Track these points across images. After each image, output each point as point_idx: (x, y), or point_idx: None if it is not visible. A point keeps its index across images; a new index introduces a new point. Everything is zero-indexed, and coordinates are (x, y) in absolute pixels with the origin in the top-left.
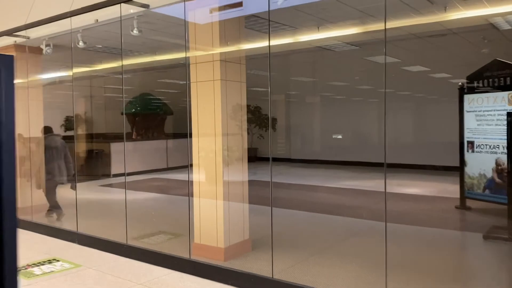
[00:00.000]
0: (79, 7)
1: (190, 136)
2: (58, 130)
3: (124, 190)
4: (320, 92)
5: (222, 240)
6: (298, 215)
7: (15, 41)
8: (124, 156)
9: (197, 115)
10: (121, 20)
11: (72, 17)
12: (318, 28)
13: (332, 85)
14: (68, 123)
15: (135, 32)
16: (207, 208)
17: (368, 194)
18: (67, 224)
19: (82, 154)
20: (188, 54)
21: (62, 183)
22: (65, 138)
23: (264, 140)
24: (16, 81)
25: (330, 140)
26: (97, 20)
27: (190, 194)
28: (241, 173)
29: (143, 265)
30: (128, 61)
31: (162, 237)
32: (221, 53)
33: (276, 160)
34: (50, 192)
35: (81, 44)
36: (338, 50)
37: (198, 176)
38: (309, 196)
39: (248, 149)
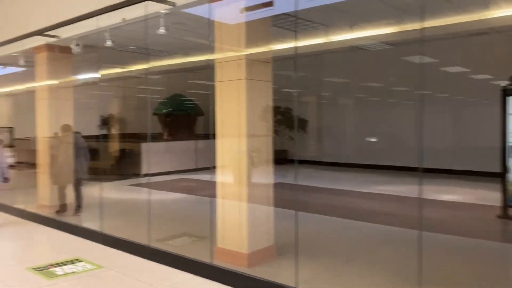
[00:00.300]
0: (107, 5)
1: (215, 137)
2: (93, 129)
3: (148, 190)
4: (353, 93)
5: (246, 245)
6: (328, 220)
7: (47, 41)
8: (149, 156)
9: (222, 116)
10: (146, 19)
11: (99, 16)
12: (351, 27)
13: (365, 86)
14: (101, 123)
15: (162, 30)
16: (231, 210)
17: (402, 200)
18: (92, 223)
19: (113, 154)
20: (214, 55)
21: (83, 180)
22: (98, 137)
23: (294, 142)
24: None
25: (362, 143)
26: (124, 19)
27: (213, 196)
28: (266, 175)
29: (165, 269)
30: (160, 62)
31: (186, 240)
32: (247, 48)
33: (306, 162)
34: (61, 189)
35: (109, 43)
36: (372, 50)
37: (222, 177)
38: (340, 201)
39: (278, 151)
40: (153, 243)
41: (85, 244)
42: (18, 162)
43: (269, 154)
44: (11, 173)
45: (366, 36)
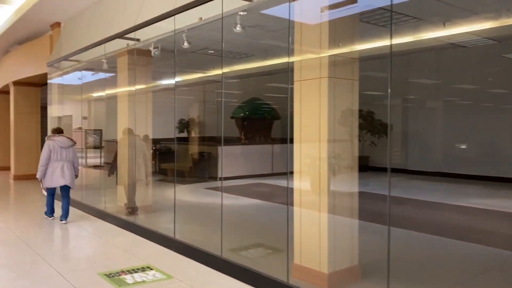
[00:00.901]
0: (184, 3)
1: (292, 141)
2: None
3: (222, 195)
4: (443, 96)
5: (326, 264)
6: (417, 237)
7: (128, 44)
8: (225, 160)
9: (300, 118)
10: (222, 17)
11: (177, 16)
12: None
13: (458, 88)
14: (181, 126)
15: (238, 28)
16: (309, 222)
17: (503, 216)
18: (167, 227)
19: (192, 156)
20: (294, 57)
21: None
22: (179, 139)
23: (376, 148)
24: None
25: (453, 151)
26: (201, 18)
27: (289, 204)
28: (350, 184)
29: (236, 284)
30: (237, 66)
31: (260, 251)
32: (329, 46)
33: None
34: (130, 189)
35: (186, 44)
36: (471, 46)
37: (299, 184)
38: (430, 214)
39: (359, 157)
40: (225, 254)
41: (157, 250)
42: (106, 163)
43: (353, 161)
44: (93, 172)
45: (465, 32)
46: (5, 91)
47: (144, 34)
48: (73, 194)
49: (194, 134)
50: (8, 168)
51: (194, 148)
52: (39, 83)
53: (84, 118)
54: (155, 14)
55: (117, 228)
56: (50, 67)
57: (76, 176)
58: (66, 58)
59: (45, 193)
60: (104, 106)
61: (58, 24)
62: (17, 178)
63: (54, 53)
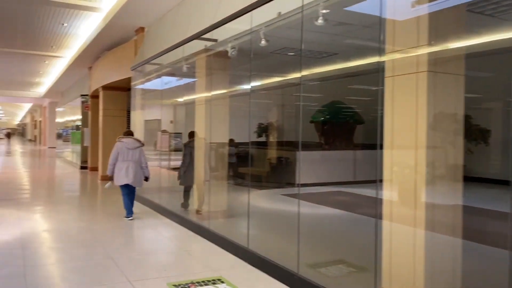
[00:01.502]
0: None
1: (382, 146)
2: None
3: (299, 203)
4: None
5: None
6: None
7: (205, 46)
8: (304, 165)
9: (392, 121)
10: (302, 10)
11: (254, 11)
12: None
13: None
14: (260, 130)
15: (320, 21)
16: (401, 238)
17: None
18: (240, 237)
19: (269, 161)
20: (384, 56)
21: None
22: (257, 144)
23: (473, 156)
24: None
25: None
26: (280, 13)
27: (378, 217)
28: (452, 196)
29: None
30: (318, 68)
31: (342, 269)
32: (429, 40)
33: (489, 181)
34: (188, 190)
35: (263, 42)
36: None
37: (390, 195)
38: None
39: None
40: (302, 269)
41: (230, 260)
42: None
43: (456, 170)
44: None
45: None
46: (96, 96)
47: (222, 34)
48: (151, 196)
49: (273, 138)
50: (98, 169)
51: (272, 153)
52: (126, 88)
53: (171, 122)
54: (232, 11)
55: (192, 233)
56: (134, 71)
57: (146, 177)
58: (147, 62)
59: (106, 186)
60: (184, 110)
61: (142, 29)
62: (104, 178)
63: (137, 57)
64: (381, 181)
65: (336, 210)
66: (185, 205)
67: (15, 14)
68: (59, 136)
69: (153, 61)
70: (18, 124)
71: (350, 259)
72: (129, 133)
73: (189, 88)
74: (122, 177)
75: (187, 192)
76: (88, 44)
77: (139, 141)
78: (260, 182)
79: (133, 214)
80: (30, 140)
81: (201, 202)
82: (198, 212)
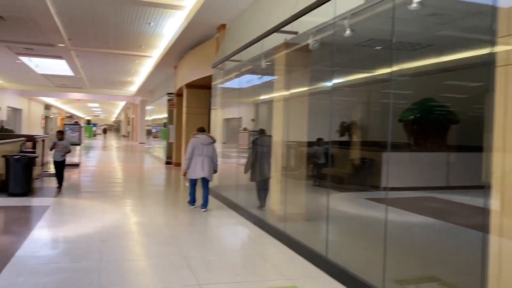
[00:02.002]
0: None
1: (485, 149)
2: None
3: (386, 209)
4: None
5: None
6: None
7: (285, 39)
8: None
9: (504, 118)
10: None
11: None
12: None
13: None
14: (342, 129)
15: (414, 5)
16: None
17: None
18: (318, 244)
19: (352, 162)
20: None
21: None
22: (339, 143)
23: None
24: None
25: None
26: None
27: (485, 230)
28: None
29: None
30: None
31: None
32: None
33: None
34: (259, 184)
35: (348, 33)
36: None
37: (499, 204)
38: None
39: None
40: (388, 286)
41: (306, 268)
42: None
43: None
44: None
45: None
46: (181, 94)
47: (303, 26)
48: (229, 194)
49: (356, 138)
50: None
51: (355, 153)
52: (208, 86)
53: (253, 120)
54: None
55: (267, 235)
56: (214, 69)
57: (215, 171)
58: (227, 59)
59: (187, 184)
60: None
61: (223, 26)
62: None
63: (218, 55)
64: (484, 187)
65: (428, 219)
66: (261, 205)
67: (106, 15)
68: (148, 132)
69: (232, 58)
70: (114, 121)
71: (444, 276)
72: (202, 130)
73: (268, 86)
74: (198, 170)
75: (260, 191)
76: (172, 43)
77: (211, 137)
78: (341, 184)
79: (207, 208)
80: (123, 136)
81: (264, 198)
82: (259, 207)
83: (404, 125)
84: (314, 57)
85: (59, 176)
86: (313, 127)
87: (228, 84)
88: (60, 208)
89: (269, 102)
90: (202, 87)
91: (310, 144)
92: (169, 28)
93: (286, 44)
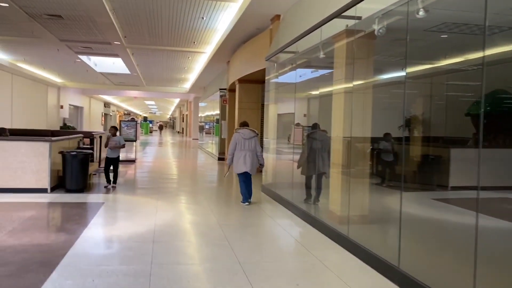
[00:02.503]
0: None
1: None
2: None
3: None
4: None
5: None
6: None
7: (347, 25)
8: (459, 165)
9: None
10: None
11: None
12: None
13: None
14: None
15: None
16: None
17: None
18: (387, 251)
19: (415, 159)
20: None
21: (325, 173)
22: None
23: None
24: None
25: None
26: None
27: None
28: None
29: None
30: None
31: None
32: None
33: None
34: (309, 179)
35: (421, 13)
36: None
37: None
38: None
39: None
40: None
41: (375, 279)
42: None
43: None
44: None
45: None
46: (233, 89)
47: (366, 10)
48: (284, 193)
49: (418, 133)
50: None
51: (417, 150)
52: (261, 80)
53: (305, 115)
54: None
55: (327, 239)
56: (268, 62)
57: (261, 165)
58: (282, 50)
59: (225, 176)
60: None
61: (277, 17)
62: None
63: (271, 47)
64: None
65: (506, 222)
66: (307, 199)
67: (159, 10)
68: (201, 128)
69: (287, 50)
70: (169, 118)
71: None
72: (245, 124)
73: (326, 79)
74: (241, 165)
75: (308, 185)
76: (225, 37)
77: (254, 131)
78: (404, 183)
79: (250, 202)
80: (178, 132)
81: (318, 194)
82: (314, 202)
83: (472, 120)
84: (380, 45)
85: (114, 172)
86: (374, 122)
87: (282, 78)
88: (114, 205)
89: (327, 96)
90: (255, 82)
91: (374, 140)
92: (222, 22)
93: (348, 32)
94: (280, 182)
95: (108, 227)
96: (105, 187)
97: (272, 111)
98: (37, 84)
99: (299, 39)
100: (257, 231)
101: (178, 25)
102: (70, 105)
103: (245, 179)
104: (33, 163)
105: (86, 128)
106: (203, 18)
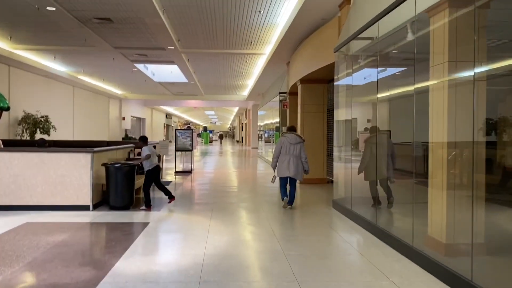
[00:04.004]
0: None
1: None
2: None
3: None
4: None
5: None
6: None
7: None
8: None
9: None
10: None
11: None
12: None
13: None
14: (487, 127)
15: None
16: None
17: None
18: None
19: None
20: None
21: (389, 178)
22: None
23: None
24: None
25: None
26: None
27: None
28: None
29: None
30: None
31: None
32: None
33: None
34: (373, 184)
35: None
36: None
37: None
38: None
39: None
40: None
41: None
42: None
43: None
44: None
45: None
46: (294, 92)
47: None
48: (363, 212)
49: (508, 137)
50: None
51: (506, 156)
52: (326, 79)
53: (369, 120)
54: None
55: (434, 279)
56: (338, 54)
57: (306, 171)
58: (355, 37)
59: (273, 182)
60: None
61: (347, 1)
62: (304, 182)
63: (341, 35)
64: None
65: None
66: (374, 204)
67: (213, 6)
68: (260, 137)
69: (362, 35)
70: (229, 127)
71: None
72: (292, 129)
73: (412, 73)
74: (284, 169)
75: (373, 190)
76: (285, 32)
77: (300, 136)
78: (488, 193)
79: (292, 207)
80: (237, 141)
81: (390, 199)
82: (389, 205)
83: None
84: (495, 17)
85: (158, 187)
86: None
87: (355, 74)
88: (160, 225)
89: (421, 93)
90: (320, 81)
91: (489, 144)
92: (281, 16)
93: (452, 1)
94: (357, 197)
95: (146, 258)
96: (142, 208)
97: (342, 115)
98: (98, 96)
99: (379, 18)
100: (336, 266)
101: (233, 22)
102: (132, 116)
103: (290, 184)
104: (74, 177)
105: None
106: (260, 12)
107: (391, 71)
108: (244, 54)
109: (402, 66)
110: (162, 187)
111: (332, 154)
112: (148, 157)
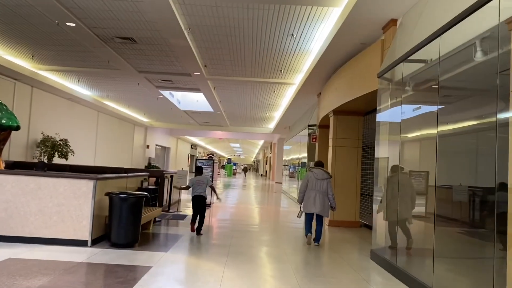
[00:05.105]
0: None
1: None
2: None
3: None
4: None
5: None
6: None
7: None
8: None
9: None
10: None
11: None
12: None
13: None
14: None
15: None
16: None
17: None
18: None
19: None
20: None
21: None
22: None
23: None
24: None
25: None
26: None
27: None
28: None
29: None
30: None
31: None
32: None
33: None
34: (392, 225)
35: None
36: None
37: None
38: None
39: None
40: None
41: None
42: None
43: None
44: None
45: None
46: (324, 125)
47: None
48: (409, 267)
49: None
50: None
51: None
52: (361, 111)
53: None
54: None
55: None
56: (381, 80)
57: (333, 208)
58: (404, 59)
59: (299, 217)
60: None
61: (393, 22)
62: (333, 224)
63: (386, 59)
64: None
65: None
66: (392, 246)
67: (242, 27)
68: (285, 172)
69: (413, 57)
70: (253, 160)
71: None
72: (320, 164)
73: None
74: (310, 205)
75: (392, 231)
76: (320, 57)
77: (327, 172)
78: None
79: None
80: (261, 175)
81: (408, 241)
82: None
83: None
84: None
85: (199, 217)
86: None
87: (400, 108)
88: (163, 271)
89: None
90: (355, 113)
91: None
92: (316, 40)
93: None
94: (402, 248)
95: None
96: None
97: (382, 151)
98: (124, 123)
99: (437, 36)
100: None
101: (263, 46)
102: (157, 145)
103: (317, 220)
104: (73, 207)
105: (172, 168)
106: (293, 35)
107: (447, 101)
108: (273, 83)
109: (458, 97)
110: (199, 219)
111: (367, 195)
112: (187, 188)
